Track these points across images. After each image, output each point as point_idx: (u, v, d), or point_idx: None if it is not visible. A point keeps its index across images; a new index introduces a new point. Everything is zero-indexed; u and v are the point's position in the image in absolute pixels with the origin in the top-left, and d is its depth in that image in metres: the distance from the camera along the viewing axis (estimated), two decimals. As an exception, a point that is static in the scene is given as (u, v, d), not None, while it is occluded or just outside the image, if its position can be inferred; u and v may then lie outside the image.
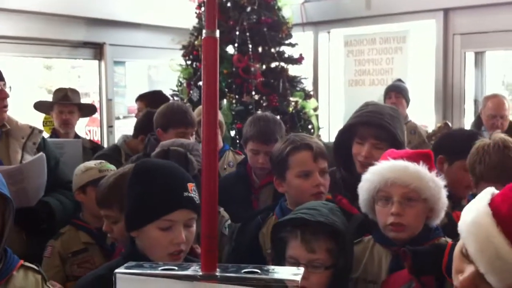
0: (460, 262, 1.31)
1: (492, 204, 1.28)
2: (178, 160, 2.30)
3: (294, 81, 5.11)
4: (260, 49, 4.99)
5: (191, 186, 1.71)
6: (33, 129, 2.80)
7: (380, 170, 1.89)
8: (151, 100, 4.31)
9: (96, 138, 6.03)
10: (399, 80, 5.17)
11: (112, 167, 2.71)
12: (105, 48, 5.82)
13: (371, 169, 1.93)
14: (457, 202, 2.52)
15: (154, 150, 3.03)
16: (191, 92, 4.95)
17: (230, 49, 4.98)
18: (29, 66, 6.97)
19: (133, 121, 6.42)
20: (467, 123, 5.33)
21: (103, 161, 2.79)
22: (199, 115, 3.34)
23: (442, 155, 2.66)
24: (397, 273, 1.78)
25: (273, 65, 5.06)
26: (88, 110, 4.47)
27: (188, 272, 0.99)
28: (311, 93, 5.35)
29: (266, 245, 2.19)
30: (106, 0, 5.56)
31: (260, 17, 4.94)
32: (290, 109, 4.93)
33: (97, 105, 5.55)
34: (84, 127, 6.02)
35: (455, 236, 1.44)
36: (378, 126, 2.35)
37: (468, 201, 1.53)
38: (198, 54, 4.97)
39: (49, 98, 4.32)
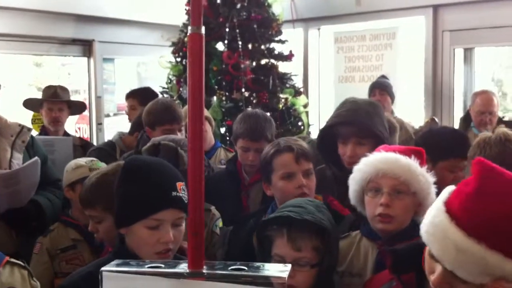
0: (430, 262, 1.34)
1: (447, 202, 1.32)
2: (168, 155, 2.30)
3: (284, 78, 5.10)
4: (250, 46, 4.98)
5: (180, 185, 1.71)
6: (22, 127, 2.79)
7: (372, 161, 1.90)
8: (143, 97, 4.30)
9: (86, 135, 6.01)
10: (383, 76, 5.18)
11: (104, 165, 2.70)
12: (94, 45, 5.80)
13: (364, 160, 1.94)
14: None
15: (145, 148, 3.03)
16: (181, 89, 4.94)
17: (220, 46, 4.97)
18: (19, 63, 6.92)
19: (122, 118, 6.42)
20: (456, 119, 5.35)
21: (94, 159, 2.78)
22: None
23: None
24: (379, 273, 1.79)
25: (263, 62, 5.05)
26: (78, 107, 4.46)
27: (175, 269, 0.99)
28: (301, 90, 5.34)
29: None
30: (95, -3, 5.54)
31: (250, 13, 4.92)
32: (280, 106, 4.93)
33: (87, 102, 5.53)
34: (74, 125, 5.99)
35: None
36: (354, 124, 2.39)
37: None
38: (188, 51, 4.95)
39: (39, 95, 4.30)
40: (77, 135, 5.28)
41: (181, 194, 1.69)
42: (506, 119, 4.70)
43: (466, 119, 4.57)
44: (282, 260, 1.72)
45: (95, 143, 5.49)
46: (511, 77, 5.98)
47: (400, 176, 1.82)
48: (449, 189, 1.38)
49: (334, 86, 6.31)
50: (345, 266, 1.93)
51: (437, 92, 5.61)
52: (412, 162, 1.86)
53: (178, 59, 5.13)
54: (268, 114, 3.52)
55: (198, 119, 1.00)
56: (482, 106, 4.29)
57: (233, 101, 4.81)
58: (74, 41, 5.74)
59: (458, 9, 5.42)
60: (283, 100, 4.98)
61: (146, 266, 0.99)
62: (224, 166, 3.28)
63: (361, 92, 4.93)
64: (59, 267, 2.58)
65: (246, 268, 0.97)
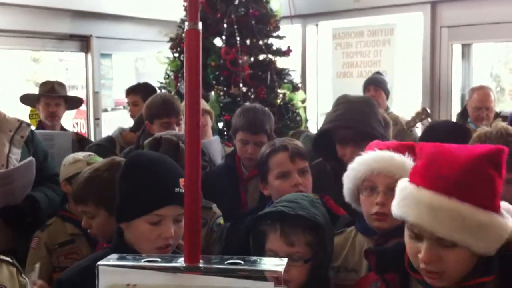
0: (413, 246, 1.39)
1: (409, 177, 1.43)
2: (169, 148, 2.31)
3: (282, 74, 5.10)
4: (248, 42, 4.98)
5: (182, 181, 1.71)
6: (21, 122, 2.79)
7: (366, 160, 1.90)
8: (146, 92, 4.29)
9: (83, 130, 6.01)
10: (378, 72, 5.18)
11: (101, 160, 2.70)
12: (92, 41, 5.79)
13: (357, 159, 1.94)
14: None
15: (147, 142, 3.04)
16: (178, 84, 4.94)
17: (218, 42, 4.97)
18: (16, 59, 6.91)
19: (120, 113, 6.42)
20: (454, 114, 5.36)
21: (92, 153, 2.78)
22: None
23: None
24: (366, 274, 1.80)
25: (261, 57, 5.05)
26: (75, 102, 4.47)
27: (172, 263, 0.99)
28: (299, 85, 5.34)
29: None
30: (92, -8, 5.53)
31: (248, 9, 4.92)
32: (278, 101, 4.93)
33: (84, 98, 5.52)
34: (71, 120, 5.99)
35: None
36: (352, 129, 2.40)
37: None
38: (186, 47, 4.94)
39: (37, 91, 4.31)
40: (75, 130, 5.29)
41: (183, 190, 1.70)
42: (503, 114, 4.70)
43: (463, 115, 4.58)
44: (275, 255, 1.71)
45: (92, 138, 5.49)
46: (509, 73, 5.98)
47: (395, 174, 1.81)
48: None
49: (332, 81, 6.31)
50: (340, 261, 1.93)
51: (435, 87, 5.62)
52: (406, 160, 1.85)
53: (176, 55, 5.13)
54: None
55: (195, 114, 1.00)
56: (479, 102, 4.30)
57: (231, 96, 4.81)
58: (71, 37, 5.73)
59: (456, 5, 5.43)
60: (281, 95, 4.98)
61: (143, 260, 0.99)
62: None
63: (359, 87, 4.94)
64: (57, 262, 2.58)
65: (242, 262, 0.97)
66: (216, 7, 4.87)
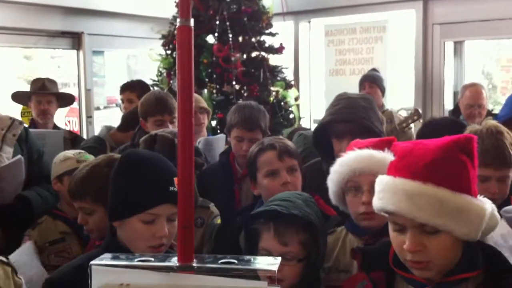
0: (398, 239, 1.42)
1: (387, 171, 1.46)
2: (164, 146, 2.30)
3: (274, 71, 5.10)
4: (240, 39, 4.97)
5: (176, 180, 1.70)
6: (13, 120, 2.77)
7: (347, 161, 1.91)
8: (141, 90, 4.26)
9: (76, 128, 5.98)
10: (374, 69, 5.18)
11: (92, 157, 2.69)
12: (83, 38, 5.76)
13: (339, 161, 1.94)
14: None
15: (141, 140, 3.02)
16: (171, 82, 4.92)
17: (210, 39, 4.96)
18: (7, 56, 6.87)
19: (113, 111, 6.40)
20: (446, 111, 5.38)
21: (82, 151, 2.77)
22: None
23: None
24: (353, 275, 1.81)
25: (253, 54, 5.05)
26: (67, 100, 4.44)
27: (165, 263, 0.98)
28: (292, 82, 5.35)
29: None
30: (83, -11, 5.50)
31: (240, 6, 4.91)
32: (271, 98, 4.93)
33: (76, 95, 5.50)
34: (63, 118, 5.96)
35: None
36: (352, 122, 2.37)
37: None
38: (178, 44, 4.93)
39: (28, 88, 4.28)
40: (67, 128, 5.26)
41: (177, 189, 1.69)
42: (495, 112, 4.72)
43: (456, 112, 4.59)
44: (269, 254, 1.71)
45: (85, 136, 5.46)
46: (501, 70, 6.01)
47: (377, 171, 1.81)
48: None
49: (325, 79, 6.31)
50: (332, 262, 1.93)
51: (427, 85, 5.63)
52: (386, 155, 1.86)
53: (168, 52, 5.11)
54: (261, 106, 3.51)
55: (188, 112, 0.99)
56: (471, 99, 4.31)
57: (224, 94, 4.81)
58: (63, 34, 5.69)
59: (448, 2, 5.44)
60: (274, 93, 4.98)
61: (136, 259, 0.99)
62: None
63: (352, 85, 4.94)
64: (47, 260, 2.56)
65: (236, 261, 0.97)
66: (209, 4, 4.86)
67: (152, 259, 0.99)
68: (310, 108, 6.52)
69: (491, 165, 2.08)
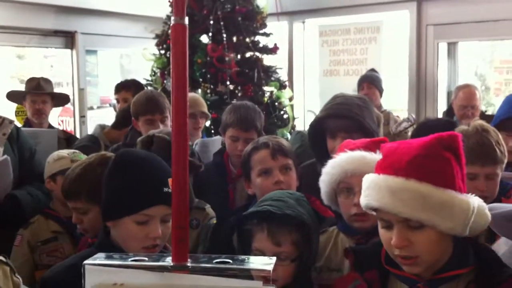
0: (386, 235, 1.44)
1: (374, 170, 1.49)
2: (162, 146, 2.29)
3: (269, 71, 5.09)
4: (234, 39, 4.95)
5: (171, 181, 1.69)
6: (3, 119, 2.75)
7: (339, 163, 1.91)
8: (136, 90, 4.24)
9: (70, 128, 5.95)
10: (373, 70, 5.19)
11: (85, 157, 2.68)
12: (77, 37, 5.73)
13: (330, 162, 1.95)
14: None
15: (133, 140, 3.02)
16: (165, 81, 4.91)
17: (204, 39, 4.94)
18: (0, 55, 6.83)
19: (106, 111, 6.37)
20: (440, 112, 5.39)
21: (76, 151, 2.76)
22: None
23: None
24: (345, 275, 1.81)
25: (247, 54, 5.03)
26: (61, 99, 4.42)
27: (159, 262, 0.98)
28: (286, 83, 5.34)
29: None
30: (77, -13, 5.48)
31: (235, 6, 4.90)
32: (265, 99, 4.92)
33: (70, 95, 5.47)
34: (57, 117, 5.93)
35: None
36: (346, 117, 2.37)
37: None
38: (172, 43, 4.92)
39: (22, 88, 4.26)
40: (60, 128, 5.23)
41: (171, 190, 1.68)
42: (488, 113, 4.74)
43: (449, 113, 4.60)
44: (262, 255, 1.70)
45: (78, 136, 5.44)
46: (494, 71, 6.03)
47: (368, 173, 1.83)
48: None
49: (319, 79, 6.32)
50: (323, 261, 1.93)
51: (421, 85, 5.65)
52: (377, 157, 1.85)
53: (162, 52, 5.10)
54: (255, 106, 3.51)
55: (182, 111, 0.99)
56: (465, 100, 4.32)
57: (218, 94, 4.80)
58: (56, 33, 5.67)
59: (442, 3, 5.46)
60: (268, 93, 4.98)
61: (130, 259, 0.98)
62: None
63: (346, 85, 4.95)
64: (39, 259, 2.56)
65: (230, 261, 0.96)
66: (203, 3, 4.85)
67: (146, 258, 0.98)
68: (304, 108, 6.52)
69: (477, 162, 2.11)
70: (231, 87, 4.84)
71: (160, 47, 5.09)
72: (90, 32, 5.83)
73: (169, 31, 4.90)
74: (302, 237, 1.74)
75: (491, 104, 5.93)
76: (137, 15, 5.97)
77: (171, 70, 1.01)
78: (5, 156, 2.64)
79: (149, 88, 4.92)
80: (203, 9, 4.84)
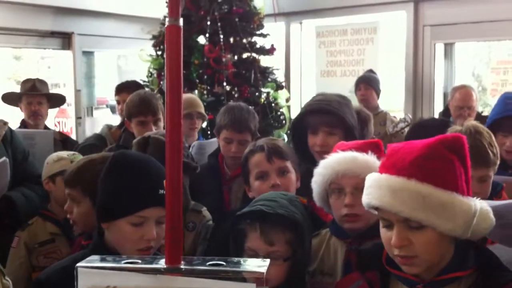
0: (386, 235, 1.44)
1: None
2: (158, 148, 2.29)
3: (265, 72, 5.09)
4: (231, 40, 4.95)
5: (165, 180, 1.69)
6: None
7: (330, 163, 1.91)
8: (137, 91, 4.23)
9: (66, 129, 5.94)
10: (371, 71, 5.19)
11: None
12: (74, 38, 5.72)
13: (322, 163, 1.95)
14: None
15: (126, 142, 3.01)
16: (161, 82, 4.90)
17: (201, 40, 4.94)
18: (-2, 56, 6.84)
19: (103, 112, 6.36)
20: (437, 113, 5.39)
21: (76, 152, 2.78)
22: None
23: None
24: (348, 275, 1.81)
25: (244, 55, 5.03)
26: (57, 100, 4.41)
27: (152, 265, 0.97)
28: (283, 84, 5.33)
29: None
30: (74, -11, 5.47)
31: (232, 7, 4.90)
32: (262, 100, 4.92)
33: (68, 96, 5.46)
34: (53, 119, 5.92)
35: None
36: (326, 112, 2.41)
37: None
38: (169, 44, 4.91)
39: (19, 89, 4.24)
40: (57, 130, 5.22)
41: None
42: (485, 113, 4.74)
43: (446, 113, 4.61)
44: (255, 254, 1.72)
45: (74, 137, 5.43)
46: (491, 72, 6.04)
47: (359, 174, 1.82)
48: None
49: (316, 80, 6.32)
50: (316, 264, 1.93)
51: (417, 86, 5.65)
52: (369, 158, 1.87)
53: (159, 53, 5.09)
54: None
55: (177, 112, 0.99)
56: (461, 101, 4.32)
57: (215, 95, 4.79)
58: (53, 34, 5.66)
59: (439, 4, 5.46)
60: (264, 94, 4.97)
61: (123, 262, 0.97)
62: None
63: (343, 86, 4.95)
64: (36, 261, 2.57)
65: (224, 263, 0.96)
66: (200, 4, 4.84)
67: (140, 261, 0.98)
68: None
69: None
70: (228, 88, 4.83)
71: (157, 48, 5.08)
72: (87, 33, 5.82)
73: (166, 32, 4.92)
74: (295, 236, 1.75)
75: (488, 104, 5.93)
76: (134, 16, 5.96)
77: (165, 71, 1.00)
78: (4, 158, 2.64)
79: (146, 89, 4.92)
80: (200, 10, 4.83)
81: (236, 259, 0.99)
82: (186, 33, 4.81)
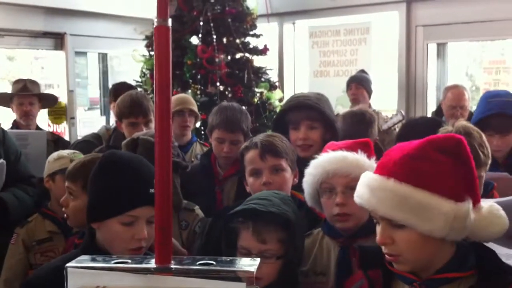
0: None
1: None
2: (146, 148, 2.29)
3: (259, 72, 5.10)
4: (224, 40, 4.96)
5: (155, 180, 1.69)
6: None
7: (321, 163, 1.92)
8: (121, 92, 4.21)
9: (60, 130, 5.92)
10: (362, 71, 5.21)
11: None
12: (66, 38, 5.71)
13: (313, 163, 1.96)
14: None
15: (117, 142, 3.00)
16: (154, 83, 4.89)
17: (194, 40, 4.94)
18: (-11, 57, 6.81)
19: (96, 112, 6.35)
20: (430, 113, 5.41)
21: (76, 151, 2.78)
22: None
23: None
24: (352, 275, 1.82)
25: (237, 56, 5.04)
26: (49, 100, 4.40)
27: (142, 265, 0.97)
28: (276, 84, 5.34)
29: None
30: (66, -11, 5.45)
31: (225, 7, 4.90)
32: (255, 100, 4.92)
33: (61, 96, 5.44)
34: (46, 119, 5.90)
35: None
36: (306, 106, 2.50)
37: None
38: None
39: (11, 90, 4.23)
40: (50, 130, 5.20)
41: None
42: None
43: (438, 113, 4.62)
44: (248, 252, 1.72)
45: (67, 138, 5.42)
46: (483, 72, 6.07)
47: (350, 173, 1.84)
48: None
49: (309, 80, 6.33)
50: (309, 264, 1.94)
51: (410, 86, 5.67)
52: (359, 157, 1.88)
53: (152, 53, 5.08)
54: (244, 108, 3.51)
55: (166, 112, 0.98)
56: (453, 101, 4.33)
57: (208, 95, 4.79)
58: (45, 34, 5.64)
59: (431, 4, 5.48)
60: (258, 94, 4.98)
61: (113, 261, 0.97)
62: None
63: (336, 86, 4.96)
64: (34, 259, 2.57)
65: (214, 262, 0.96)
66: (192, 4, 4.84)
67: (129, 261, 0.98)
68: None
69: None
70: (221, 88, 4.84)
71: (150, 48, 5.07)
72: (80, 33, 5.81)
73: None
74: (287, 235, 1.75)
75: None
76: (126, 17, 5.95)
77: (154, 72, 1.01)
78: (2, 160, 2.63)
79: (139, 89, 4.91)
80: (192, 10, 4.83)
81: (226, 258, 0.99)
82: (179, 33, 4.81)
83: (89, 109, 6.49)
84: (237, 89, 4.83)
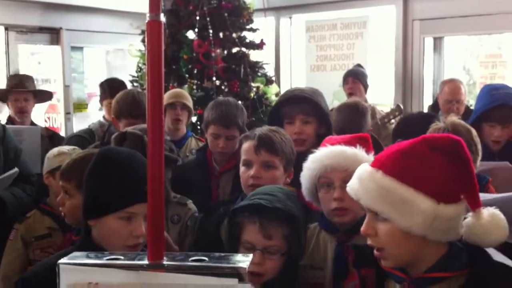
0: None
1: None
2: (134, 142, 2.29)
3: (255, 67, 5.08)
4: (221, 35, 4.94)
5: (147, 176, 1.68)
6: None
7: (319, 157, 1.92)
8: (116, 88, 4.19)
9: (56, 125, 5.91)
10: (359, 65, 5.20)
11: None
12: (62, 33, 5.69)
13: (311, 157, 1.95)
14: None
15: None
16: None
17: (191, 34, 4.92)
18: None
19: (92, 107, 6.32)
20: (426, 107, 5.41)
21: (76, 147, 2.78)
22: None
23: (400, 140, 2.70)
24: (349, 275, 1.81)
25: (234, 50, 5.02)
26: (44, 96, 4.38)
27: (135, 261, 0.97)
28: (273, 78, 5.33)
29: None
30: (62, -16, 5.43)
31: (221, 2, 4.88)
32: (252, 94, 4.91)
33: (58, 92, 5.43)
34: (43, 115, 5.89)
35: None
36: (301, 99, 2.53)
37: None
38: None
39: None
40: (46, 125, 5.20)
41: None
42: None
43: (435, 107, 4.62)
44: (252, 247, 1.72)
45: (63, 133, 5.41)
46: (480, 66, 6.06)
47: (348, 168, 1.83)
48: None
49: (305, 74, 6.32)
50: (306, 259, 1.93)
51: (407, 80, 5.67)
52: (357, 152, 1.88)
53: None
54: (240, 102, 3.49)
55: (158, 107, 0.98)
56: (450, 95, 4.33)
57: (204, 90, 4.78)
58: (41, 29, 5.62)
59: (428, -2, 5.47)
60: (254, 88, 4.96)
61: (105, 258, 0.97)
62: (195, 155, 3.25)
63: (333, 80, 4.95)
64: (33, 255, 2.57)
65: (206, 259, 0.96)
66: (189, -1, 4.83)
67: (122, 257, 0.98)
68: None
69: None
70: (218, 83, 4.82)
71: (146, 43, 5.05)
72: (76, 28, 5.79)
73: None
74: (292, 231, 1.75)
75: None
76: (122, 11, 5.93)
77: (146, 67, 1.00)
78: (16, 169, 2.67)
79: (135, 84, 4.90)
80: (188, 5, 4.81)
81: (218, 254, 0.98)
82: (175, 28, 4.80)
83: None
84: (233, 84, 4.81)
